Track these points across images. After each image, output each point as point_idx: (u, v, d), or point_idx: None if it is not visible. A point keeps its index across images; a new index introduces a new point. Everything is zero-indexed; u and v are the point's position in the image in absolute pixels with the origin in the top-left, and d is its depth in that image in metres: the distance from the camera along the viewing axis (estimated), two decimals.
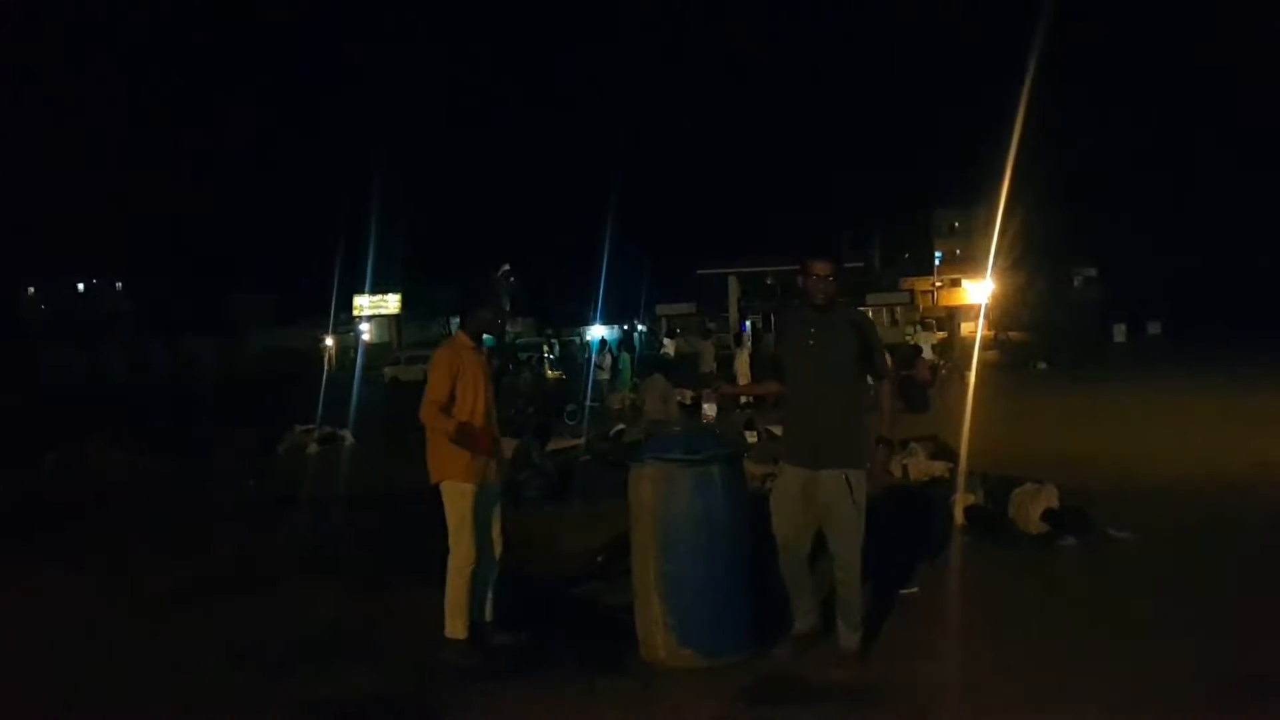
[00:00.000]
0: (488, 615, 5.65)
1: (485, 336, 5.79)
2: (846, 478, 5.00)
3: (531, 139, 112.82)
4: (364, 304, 60.86)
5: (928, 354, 23.38)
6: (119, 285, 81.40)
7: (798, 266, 5.18)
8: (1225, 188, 57.75)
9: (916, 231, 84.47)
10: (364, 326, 59.98)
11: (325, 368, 39.27)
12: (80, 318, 70.37)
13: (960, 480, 8.58)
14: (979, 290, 56.50)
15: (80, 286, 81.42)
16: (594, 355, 26.12)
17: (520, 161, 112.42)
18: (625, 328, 60.27)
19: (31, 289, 77.14)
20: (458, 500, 5.45)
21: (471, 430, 5.44)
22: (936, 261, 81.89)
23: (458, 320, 5.92)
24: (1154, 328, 48.35)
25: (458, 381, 5.47)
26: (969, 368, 24.11)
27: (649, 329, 57.35)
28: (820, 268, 5.09)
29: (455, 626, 5.41)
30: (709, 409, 4.73)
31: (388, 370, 42.23)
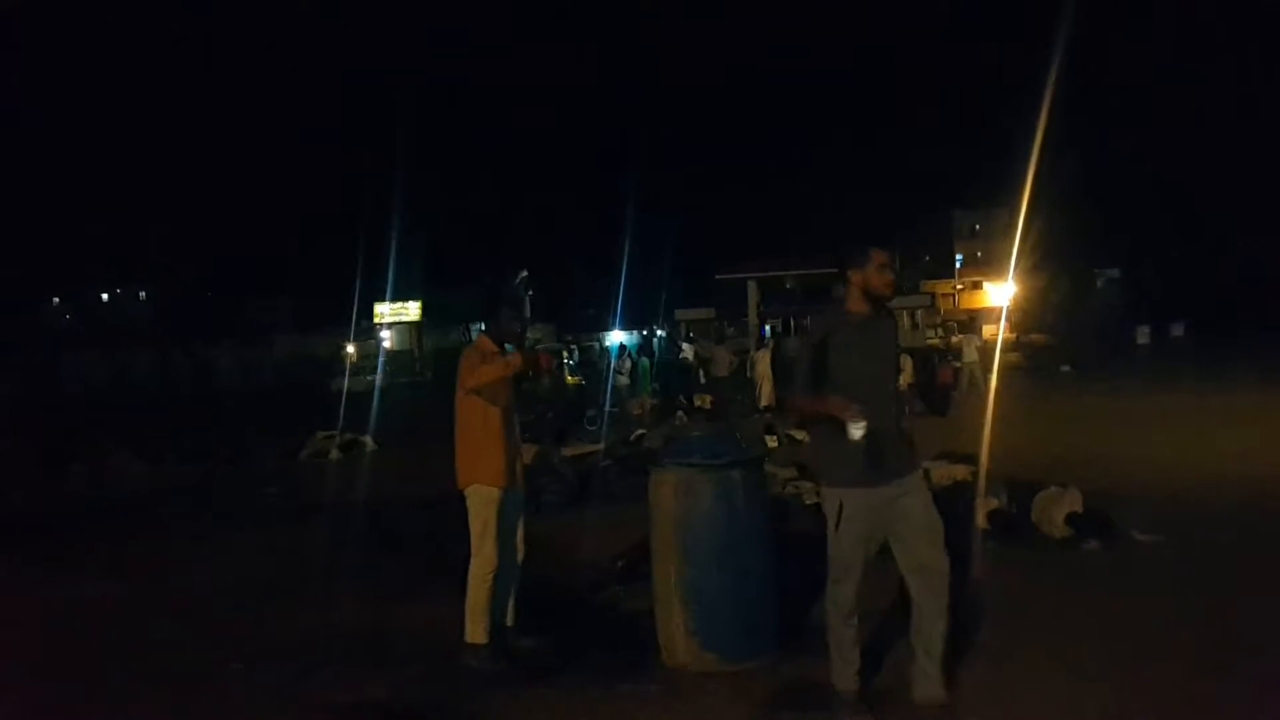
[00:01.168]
0: (510, 620, 5.65)
1: (507, 346, 5.80)
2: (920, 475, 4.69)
3: (551, 144, 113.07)
4: (385, 311, 61.06)
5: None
6: (142, 295, 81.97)
7: (851, 260, 4.63)
8: (1250, 187, 57.32)
9: (937, 234, 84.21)
10: (385, 334, 60.19)
11: (347, 375, 39.46)
12: (104, 327, 70.91)
13: (982, 484, 8.53)
14: (1001, 293, 56.30)
15: (104, 296, 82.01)
16: (613, 360, 26.13)
17: (540, 167, 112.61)
18: (645, 333, 60.29)
19: (56, 299, 77.73)
20: (484, 505, 5.47)
21: (524, 357, 5.52)
22: (957, 264, 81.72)
23: (481, 326, 5.96)
24: (1178, 329, 48.03)
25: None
26: (990, 371, 24.02)
27: (669, 334, 57.30)
28: (885, 256, 4.59)
29: (476, 632, 5.42)
30: (856, 429, 4.44)
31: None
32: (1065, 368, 30.42)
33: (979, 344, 25.91)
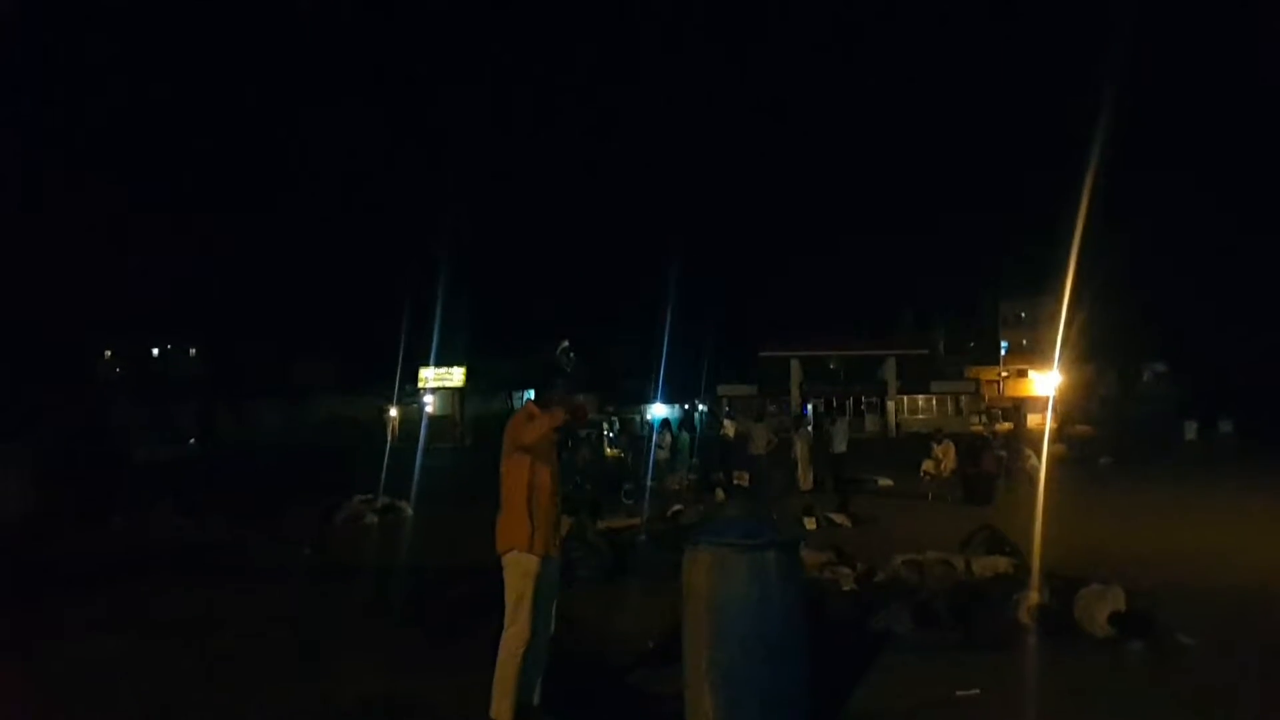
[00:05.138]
0: (536, 698, 5.56)
1: None
2: None
3: (598, 216, 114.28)
4: (429, 376, 61.45)
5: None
6: (192, 351, 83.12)
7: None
8: None
9: (983, 320, 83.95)
10: (428, 399, 60.48)
11: (389, 438, 39.58)
12: (154, 381, 71.89)
13: (1035, 578, 8.37)
14: (1046, 381, 55.85)
15: (155, 351, 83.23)
16: (655, 434, 26.04)
17: (586, 239, 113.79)
18: (686, 407, 60.19)
19: (108, 352, 78.94)
20: (521, 575, 5.42)
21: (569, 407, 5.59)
22: (1003, 351, 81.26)
23: (529, 394, 5.99)
24: (1226, 425, 47.22)
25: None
26: (1037, 460, 23.65)
27: (710, 410, 57.23)
28: None
29: (502, 708, 5.34)
30: None
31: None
32: (1105, 460, 29.94)
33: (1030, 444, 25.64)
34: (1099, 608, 7.49)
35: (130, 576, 11.11)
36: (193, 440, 46.96)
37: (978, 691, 6.16)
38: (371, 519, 16.31)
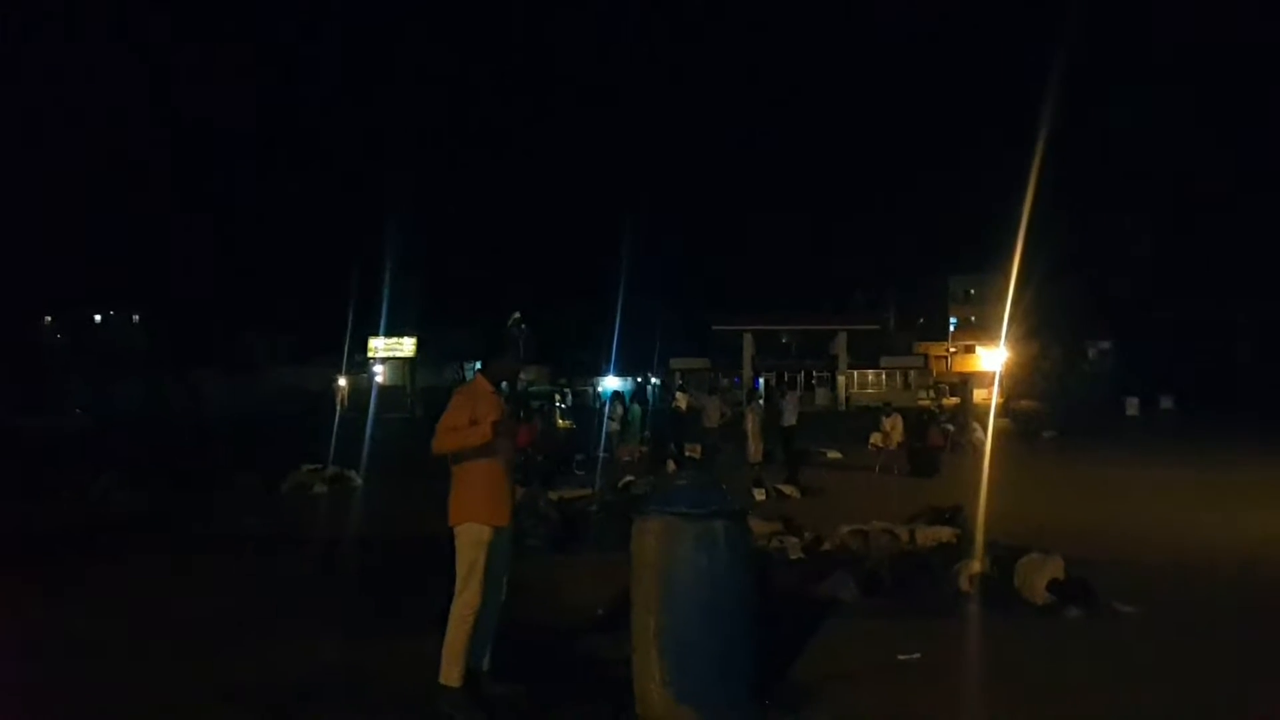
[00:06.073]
0: (485, 664, 5.60)
1: (503, 385, 5.81)
2: None
3: (551, 187, 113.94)
4: (379, 346, 61.04)
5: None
6: (135, 318, 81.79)
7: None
8: (1242, 264, 57.76)
9: (932, 296, 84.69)
10: (378, 369, 60.10)
11: (338, 408, 39.32)
12: (96, 349, 70.75)
13: (979, 549, 8.54)
14: (993, 358, 56.57)
15: (97, 317, 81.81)
16: (606, 406, 26.09)
17: (541, 211, 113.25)
18: (639, 380, 60.30)
19: (49, 318, 77.51)
20: (473, 544, 5.43)
21: (502, 426, 5.47)
22: (951, 327, 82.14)
23: (478, 365, 5.98)
24: (1166, 401, 48.14)
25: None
26: (983, 434, 24.02)
27: (662, 382, 57.35)
28: None
29: (451, 673, 5.36)
30: None
31: None
32: (1048, 434, 30.44)
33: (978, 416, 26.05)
34: (1038, 576, 7.66)
35: (74, 548, 10.99)
36: (79, 410, 46.07)
37: (919, 656, 6.30)
38: (320, 488, 16.23)
